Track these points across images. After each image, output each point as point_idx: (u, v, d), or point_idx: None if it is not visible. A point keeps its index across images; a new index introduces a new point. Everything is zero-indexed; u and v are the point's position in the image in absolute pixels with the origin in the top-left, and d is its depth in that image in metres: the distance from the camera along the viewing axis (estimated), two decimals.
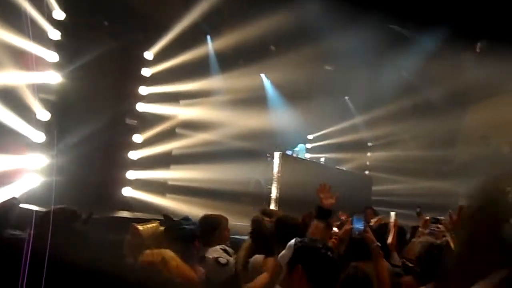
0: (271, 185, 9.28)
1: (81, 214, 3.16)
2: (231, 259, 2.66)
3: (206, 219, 3.64)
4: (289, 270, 1.86)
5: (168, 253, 2.49)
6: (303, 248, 1.87)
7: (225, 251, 2.71)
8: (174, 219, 3.36)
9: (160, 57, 9.10)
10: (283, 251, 1.95)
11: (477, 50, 12.15)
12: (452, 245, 3.73)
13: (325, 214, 2.92)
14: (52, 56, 7.26)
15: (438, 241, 3.68)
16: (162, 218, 3.74)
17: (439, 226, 4.65)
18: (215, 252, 2.68)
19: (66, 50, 7.51)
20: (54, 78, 7.27)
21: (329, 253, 1.87)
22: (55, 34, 7.29)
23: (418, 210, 5.12)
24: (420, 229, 4.39)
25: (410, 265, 3.71)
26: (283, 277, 1.91)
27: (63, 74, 7.38)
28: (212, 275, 2.56)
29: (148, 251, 2.53)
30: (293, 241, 1.96)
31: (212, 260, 2.59)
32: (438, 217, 4.54)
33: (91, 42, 7.80)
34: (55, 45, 7.30)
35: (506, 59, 10.65)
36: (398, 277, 3.48)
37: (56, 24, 7.31)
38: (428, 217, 4.54)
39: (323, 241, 2.02)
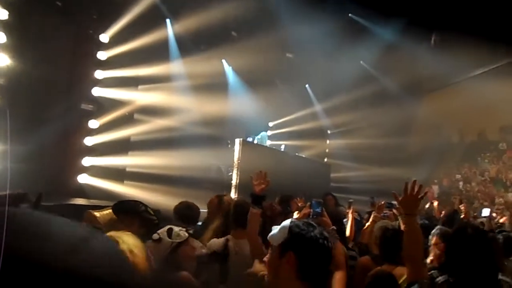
0: (232, 171, 9.29)
1: (30, 198, 3.02)
2: (166, 236, 2.60)
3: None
4: (279, 254, 1.75)
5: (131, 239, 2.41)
6: (300, 235, 1.74)
7: (168, 229, 2.66)
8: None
9: (117, 39, 8.78)
10: (275, 231, 1.82)
11: (432, 42, 12.59)
12: (402, 227, 3.90)
13: (257, 200, 3.03)
14: (0, 37, 6.85)
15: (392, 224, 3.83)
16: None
17: (393, 210, 4.84)
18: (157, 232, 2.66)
19: (15, 30, 7.09)
20: (2, 60, 6.88)
21: (325, 242, 1.75)
22: (2, 13, 6.87)
23: (371, 199, 5.30)
24: (374, 213, 4.55)
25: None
26: (271, 258, 1.80)
27: (11, 55, 6.99)
28: (152, 254, 2.52)
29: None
30: (288, 222, 1.82)
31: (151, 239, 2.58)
32: (392, 202, 4.73)
33: (42, 22, 7.42)
34: (3, 25, 6.88)
35: (458, 51, 11.13)
36: (354, 260, 3.59)
37: (3, 2, 6.89)
38: (382, 202, 4.71)
39: (319, 226, 1.85)
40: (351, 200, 5.38)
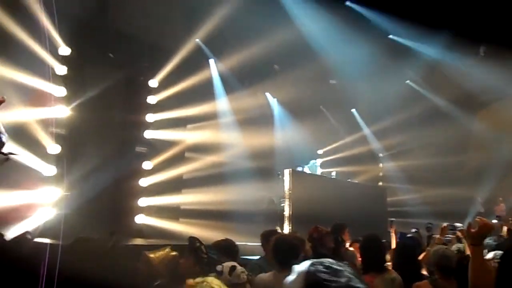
0: (284, 202, 9.24)
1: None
2: (227, 273, 2.61)
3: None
4: None
5: (214, 281, 2.41)
6: (316, 285, 1.31)
7: (232, 267, 2.68)
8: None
9: (165, 83, 9.25)
10: (291, 277, 1.44)
11: (480, 54, 12.13)
12: (467, 251, 3.69)
13: None
14: (60, 91, 7.43)
15: (451, 248, 3.66)
16: (174, 243, 3.78)
17: (457, 232, 4.62)
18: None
19: (73, 83, 7.69)
20: (63, 112, 7.43)
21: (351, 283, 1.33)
22: (61, 69, 7.48)
23: (429, 225, 5.12)
24: (438, 236, 4.38)
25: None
26: None
27: (71, 107, 7.54)
28: None
29: (191, 281, 2.44)
30: (304, 267, 1.41)
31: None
32: (454, 224, 4.53)
33: (97, 74, 7.98)
34: (62, 80, 7.48)
35: (509, 61, 10.64)
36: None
37: (62, 59, 7.51)
38: (445, 224, 4.52)
39: (349, 270, 1.37)
40: (429, 225, 5.18)
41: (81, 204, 6.92)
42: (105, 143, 8.23)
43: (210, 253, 3.15)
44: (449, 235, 4.75)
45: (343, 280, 1.30)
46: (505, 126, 13.04)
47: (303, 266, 1.41)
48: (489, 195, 13.48)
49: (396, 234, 4.57)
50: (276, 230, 4.32)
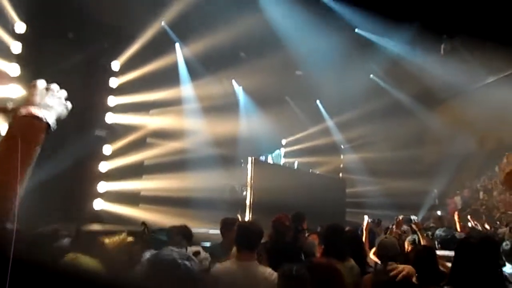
0: (246, 191, 9.27)
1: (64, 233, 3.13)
2: (189, 252, 2.63)
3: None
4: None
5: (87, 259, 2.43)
6: (160, 261, 1.71)
7: (195, 253, 2.67)
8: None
9: (128, 66, 9.00)
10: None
11: (441, 51, 12.50)
12: (422, 241, 3.85)
13: None
14: (14, 70, 7.07)
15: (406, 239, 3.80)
16: (133, 229, 3.72)
17: (412, 225, 4.78)
18: None
19: (29, 63, 7.33)
20: (17, 91, 7.08)
21: (188, 263, 1.70)
22: (16, 47, 7.11)
23: (376, 220, 5.30)
24: (393, 228, 4.52)
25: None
26: None
27: (25, 87, 7.20)
28: None
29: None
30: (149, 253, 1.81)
31: None
32: (410, 217, 4.70)
33: (55, 54, 7.64)
34: (17, 58, 7.12)
35: (470, 58, 11.04)
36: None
37: (17, 36, 7.15)
38: (401, 217, 4.67)
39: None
40: (376, 221, 5.33)
41: (36, 187, 6.66)
42: (63, 125, 7.93)
43: (158, 234, 3.16)
44: (405, 227, 4.93)
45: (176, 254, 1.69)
46: (460, 122, 13.59)
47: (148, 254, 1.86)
48: (444, 188, 14.06)
49: (367, 230, 4.65)
50: (237, 218, 4.35)
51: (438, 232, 4.63)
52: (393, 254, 3.32)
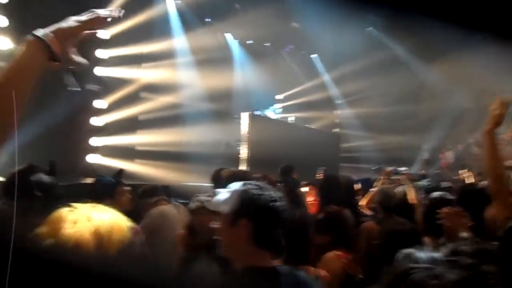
0: (240, 145, 9.28)
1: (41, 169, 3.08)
2: None
3: None
4: (231, 222, 1.65)
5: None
6: (251, 201, 1.64)
7: None
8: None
9: (117, 17, 8.66)
10: (223, 196, 1.70)
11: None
12: (409, 194, 3.87)
13: None
14: (2, 21, 6.79)
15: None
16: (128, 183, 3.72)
17: (399, 177, 4.81)
18: None
19: (17, 13, 7.04)
20: (5, 44, 6.84)
21: (279, 205, 1.67)
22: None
23: (376, 167, 5.31)
24: (381, 177, 4.55)
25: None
26: (222, 228, 1.70)
27: (14, 39, 6.95)
28: None
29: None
30: (237, 187, 1.71)
31: None
32: (398, 169, 4.73)
33: (43, 5, 7.32)
34: (4, 8, 6.83)
35: (469, 15, 10.74)
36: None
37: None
38: (390, 169, 4.69)
39: (268, 186, 1.76)
40: (376, 167, 5.34)
41: (29, 143, 6.59)
42: (53, 78, 7.76)
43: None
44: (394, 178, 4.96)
45: (269, 192, 1.68)
46: (458, 77, 13.46)
47: (236, 185, 1.71)
48: (437, 143, 14.13)
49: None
50: (223, 168, 4.30)
51: (421, 183, 4.70)
52: (393, 205, 3.33)
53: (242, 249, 1.64)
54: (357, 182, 4.63)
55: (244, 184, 1.71)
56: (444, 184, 4.82)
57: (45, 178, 2.36)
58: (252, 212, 1.64)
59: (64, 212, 1.17)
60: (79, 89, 1.19)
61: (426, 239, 2.55)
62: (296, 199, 3.68)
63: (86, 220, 1.16)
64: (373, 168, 5.15)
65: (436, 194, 3.17)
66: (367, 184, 4.75)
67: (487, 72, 12.30)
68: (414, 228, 2.54)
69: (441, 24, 11.55)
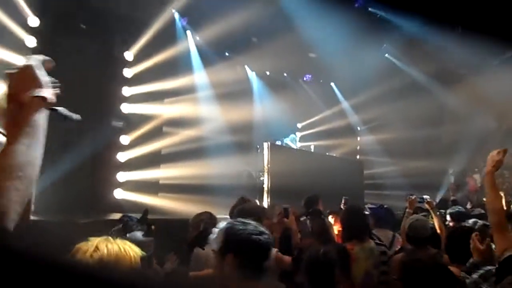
0: (263, 176, 9.29)
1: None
2: None
3: None
4: (219, 259, 1.79)
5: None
6: (234, 236, 1.78)
7: None
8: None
9: (141, 56, 9.01)
10: (214, 235, 1.86)
11: (459, 30, 12.17)
12: (435, 221, 3.82)
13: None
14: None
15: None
16: (153, 218, 3.80)
17: (425, 204, 4.73)
18: None
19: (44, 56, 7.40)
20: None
21: (261, 237, 1.79)
22: (31, 41, 7.19)
23: (407, 194, 5.19)
24: (407, 209, 4.47)
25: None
26: (215, 264, 1.83)
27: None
28: None
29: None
30: (223, 225, 1.86)
31: None
32: (423, 197, 4.65)
33: (68, 47, 7.70)
34: (32, 52, 7.19)
35: (485, 37, 10.72)
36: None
37: (31, 31, 7.21)
38: (413, 197, 4.62)
39: (256, 222, 1.90)
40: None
41: (58, 180, 6.79)
42: (80, 117, 8.02)
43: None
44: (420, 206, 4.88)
45: (251, 226, 1.80)
46: (478, 100, 13.30)
47: (222, 225, 1.85)
48: (462, 167, 13.84)
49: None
50: (244, 199, 4.29)
51: (449, 210, 4.61)
52: (424, 237, 3.26)
53: (233, 283, 1.75)
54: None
55: (229, 223, 1.87)
56: (476, 210, 4.71)
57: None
58: (236, 246, 1.76)
59: (81, 244, 1.35)
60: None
61: (452, 268, 2.51)
62: (324, 234, 3.61)
63: (93, 250, 1.33)
64: (405, 195, 5.02)
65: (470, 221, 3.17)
66: (378, 212, 4.63)
67: (507, 93, 12.14)
68: (436, 260, 2.52)
69: (458, 48, 11.57)
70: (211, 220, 3.65)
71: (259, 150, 9.71)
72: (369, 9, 11.51)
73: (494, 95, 12.56)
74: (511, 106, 13.52)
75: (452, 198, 7.30)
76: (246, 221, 1.88)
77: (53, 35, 7.64)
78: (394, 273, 3.09)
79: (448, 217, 4.27)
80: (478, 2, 10.19)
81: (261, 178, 9.37)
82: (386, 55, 13.59)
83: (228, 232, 1.82)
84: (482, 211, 4.69)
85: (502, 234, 2.23)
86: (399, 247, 4.00)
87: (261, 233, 1.81)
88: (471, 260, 2.56)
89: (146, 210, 3.59)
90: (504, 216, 2.33)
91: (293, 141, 11.32)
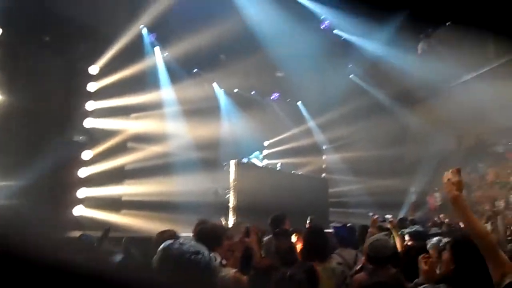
0: (229, 194, 9.23)
1: None
2: None
3: None
4: (158, 279, 1.83)
5: None
6: (169, 257, 1.83)
7: None
8: None
9: (107, 70, 8.87)
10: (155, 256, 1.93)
11: (419, 51, 12.70)
12: (396, 241, 3.89)
13: None
14: None
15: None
16: (115, 236, 3.69)
17: (387, 223, 4.81)
18: None
19: (5, 66, 7.17)
20: None
21: (196, 256, 1.83)
22: None
23: (371, 213, 5.28)
24: (370, 229, 4.54)
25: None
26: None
27: (2, 91, 7.04)
28: None
29: None
30: (162, 245, 1.93)
31: None
32: (385, 216, 4.74)
33: (31, 58, 7.49)
34: None
35: (446, 57, 11.23)
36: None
37: None
38: (376, 217, 4.69)
39: (190, 242, 1.95)
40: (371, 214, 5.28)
41: (14, 195, 6.51)
42: (42, 131, 7.78)
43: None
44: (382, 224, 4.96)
45: (188, 246, 1.84)
46: (439, 121, 13.81)
47: (163, 245, 1.89)
48: (423, 186, 14.24)
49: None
50: (204, 220, 4.22)
51: (407, 230, 4.71)
52: (385, 256, 3.30)
53: None
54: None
55: (167, 243, 1.90)
56: (433, 230, 4.84)
57: None
58: (171, 267, 1.81)
59: None
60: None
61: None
62: (289, 254, 3.57)
63: None
64: (370, 214, 5.10)
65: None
66: (342, 231, 4.65)
67: (466, 114, 12.66)
68: (396, 280, 2.57)
69: (418, 70, 12.05)
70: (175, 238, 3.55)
71: (225, 168, 9.67)
72: (334, 31, 11.84)
73: (454, 116, 13.09)
74: (470, 126, 14.13)
75: (410, 217, 7.48)
76: (183, 241, 1.91)
77: (16, 47, 7.43)
78: None
79: (406, 237, 4.35)
80: (439, 21, 10.66)
81: (227, 196, 9.31)
82: (351, 76, 13.97)
83: (163, 253, 1.85)
84: (438, 231, 4.83)
85: (494, 258, 2.04)
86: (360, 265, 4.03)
87: (198, 252, 1.84)
88: (415, 280, 2.68)
89: (107, 229, 3.50)
90: (489, 238, 2.11)
91: (257, 158, 11.34)
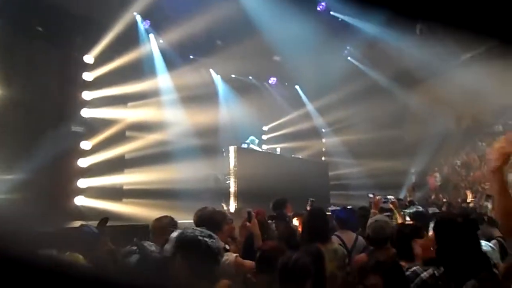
0: (229, 179, 9.25)
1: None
2: None
3: None
4: (172, 262, 1.99)
5: None
6: (183, 241, 1.99)
7: None
8: None
9: (102, 59, 8.78)
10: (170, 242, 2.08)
11: (417, 31, 12.55)
12: (399, 220, 3.90)
13: None
14: None
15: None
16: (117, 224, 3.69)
17: (389, 204, 4.83)
18: None
19: (0, 58, 7.11)
20: None
21: (209, 240, 1.96)
22: None
23: (371, 194, 5.29)
24: (372, 210, 4.55)
25: None
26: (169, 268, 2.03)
27: None
28: None
29: None
30: (176, 233, 2.09)
31: None
32: (387, 196, 4.75)
33: (25, 50, 7.42)
34: None
35: (446, 38, 11.12)
36: None
37: None
38: (378, 197, 4.71)
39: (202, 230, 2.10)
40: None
41: (16, 187, 6.52)
42: (39, 122, 7.75)
43: None
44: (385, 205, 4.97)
45: (200, 231, 2.02)
46: (437, 102, 13.78)
47: (175, 232, 2.09)
48: (423, 167, 14.28)
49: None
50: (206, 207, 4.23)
51: (408, 210, 4.73)
52: (384, 237, 3.31)
53: (185, 283, 1.94)
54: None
55: (181, 231, 2.09)
56: (431, 209, 4.85)
57: None
58: (184, 249, 1.97)
59: None
60: None
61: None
62: (291, 237, 3.59)
63: None
64: (370, 196, 5.12)
65: None
66: (341, 213, 4.65)
67: (465, 94, 12.62)
68: (395, 260, 2.58)
69: (417, 50, 11.94)
70: (173, 224, 3.57)
71: (225, 154, 9.67)
72: (331, 13, 11.70)
73: (453, 96, 13.05)
74: (470, 107, 14.10)
75: (409, 198, 7.51)
76: (196, 228, 2.13)
77: (10, 38, 7.34)
78: (356, 275, 3.13)
79: (407, 218, 4.37)
80: (438, 3, 10.54)
81: (228, 182, 9.33)
82: (349, 58, 13.86)
83: (178, 237, 2.01)
84: (437, 211, 4.84)
85: None
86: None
87: (209, 236, 2.00)
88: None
89: (104, 219, 3.50)
90: None
91: (253, 143, 11.31)
